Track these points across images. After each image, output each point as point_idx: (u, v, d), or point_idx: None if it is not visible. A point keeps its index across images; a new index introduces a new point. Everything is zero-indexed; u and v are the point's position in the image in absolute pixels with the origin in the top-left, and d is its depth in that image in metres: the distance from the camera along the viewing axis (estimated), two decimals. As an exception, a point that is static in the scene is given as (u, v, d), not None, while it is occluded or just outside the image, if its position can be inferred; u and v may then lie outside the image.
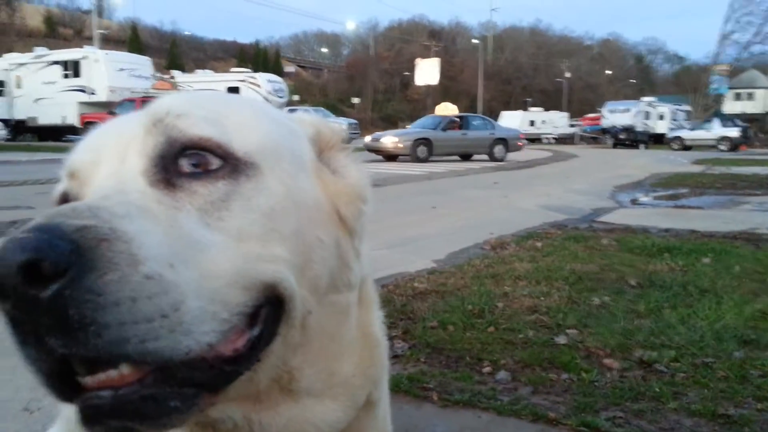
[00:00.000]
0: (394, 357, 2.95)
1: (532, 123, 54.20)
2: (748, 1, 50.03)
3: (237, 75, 39.05)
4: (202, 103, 0.75)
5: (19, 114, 31.91)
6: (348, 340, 0.82)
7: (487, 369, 2.86)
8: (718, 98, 56.78)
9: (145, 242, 0.58)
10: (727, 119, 40.07)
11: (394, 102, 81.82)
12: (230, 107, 0.77)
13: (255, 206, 0.69)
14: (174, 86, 30.45)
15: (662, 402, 2.48)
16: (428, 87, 60.52)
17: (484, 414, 2.45)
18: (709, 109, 51.72)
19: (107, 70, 30.00)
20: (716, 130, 37.25)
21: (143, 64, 32.85)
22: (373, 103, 76.42)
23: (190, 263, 0.61)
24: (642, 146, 40.42)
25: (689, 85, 60.27)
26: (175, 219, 0.64)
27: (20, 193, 9.53)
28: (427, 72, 56.66)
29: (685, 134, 39.29)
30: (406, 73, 74.48)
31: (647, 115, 48.51)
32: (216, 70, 54.65)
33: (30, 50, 35.18)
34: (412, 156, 20.23)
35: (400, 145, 20.43)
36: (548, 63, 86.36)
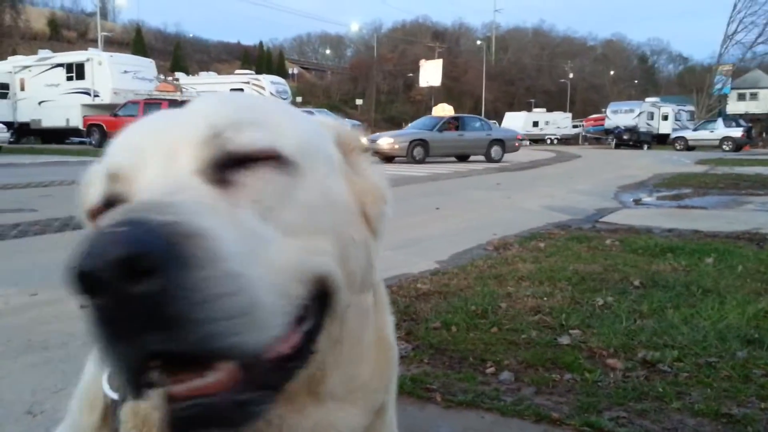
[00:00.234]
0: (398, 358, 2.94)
1: (535, 124, 54.31)
2: (752, 2, 49.92)
3: (241, 77, 39.18)
4: (251, 107, 0.77)
5: (23, 116, 31.80)
6: (367, 343, 0.84)
7: (490, 369, 2.85)
8: (722, 98, 56.63)
9: (224, 239, 0.59)
10: (731, 119, 40.03)
11: (398, 103, 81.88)
12: (272, 109, 0.79)
13: (302, 202, 0.71)
14: (178, 88, 30.44)
15: (665, 402, 2.48)
16: (432, 88, 60.54)
17: (488, 414, 2.45)
18: (712, 110, 51.58)
19: (111, 73, 29.93)
20: (720, 130, 37.19)
21: (147, 66, 32.78)
22: (376, 105, 76.47)
23: (260, 258, 0.62)
24: (645, 147, 40.39)
25: (693, 85, 60.06)
26: (237, 216, 0.65)
27: (24, 196, 9.52)
28: (431, 73, 56.72)
29: (689, 135, 39.23)
30: (410, 75, 74.53)
31: (651, 116, 48.52)
32: (220, 72, 54.92)
33: (34, 53, 35.17)
34: (408, 157, 20.13)
35: (396, 147, 20.31)
36: (552, 64, 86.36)
